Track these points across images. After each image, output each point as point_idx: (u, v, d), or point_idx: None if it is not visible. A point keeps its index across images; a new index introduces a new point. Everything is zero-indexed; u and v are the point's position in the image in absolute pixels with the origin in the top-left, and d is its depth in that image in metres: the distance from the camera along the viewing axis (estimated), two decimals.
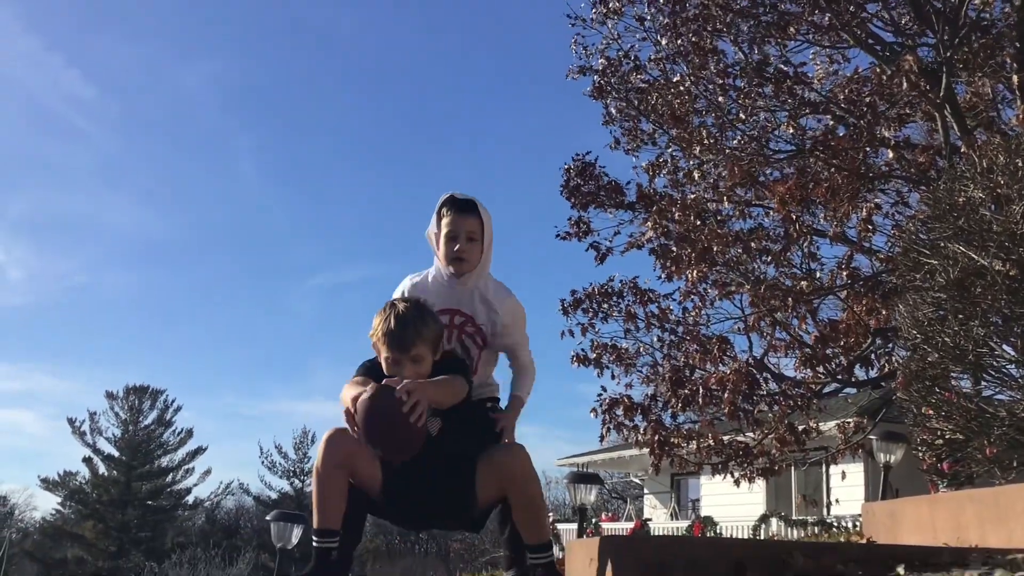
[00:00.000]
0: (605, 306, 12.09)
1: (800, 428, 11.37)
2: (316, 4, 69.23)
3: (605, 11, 12.62)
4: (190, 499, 48.86)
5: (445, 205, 3.55)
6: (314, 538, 3.19)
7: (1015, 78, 10.19)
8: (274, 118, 71.77)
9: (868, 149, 11.54)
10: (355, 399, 3.05)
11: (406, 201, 70.56)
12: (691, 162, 12.31)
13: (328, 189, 72.23)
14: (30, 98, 65.44)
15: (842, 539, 7.69)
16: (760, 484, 12.90)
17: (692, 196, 12.13)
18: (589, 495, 11.01)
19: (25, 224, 67.58)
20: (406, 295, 3.60)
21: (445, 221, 3.54)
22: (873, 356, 11.51)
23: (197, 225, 70.83)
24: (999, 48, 10.54)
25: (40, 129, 67.67)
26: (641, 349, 11.92)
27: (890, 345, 10.88)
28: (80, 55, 67.82)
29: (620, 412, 11.44)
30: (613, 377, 11.81)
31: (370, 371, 3.30)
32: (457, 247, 3.51)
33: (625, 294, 12.08)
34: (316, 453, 3.23)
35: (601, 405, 11.54)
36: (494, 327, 3.62)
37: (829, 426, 13.02)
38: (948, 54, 10.39)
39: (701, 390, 10.85)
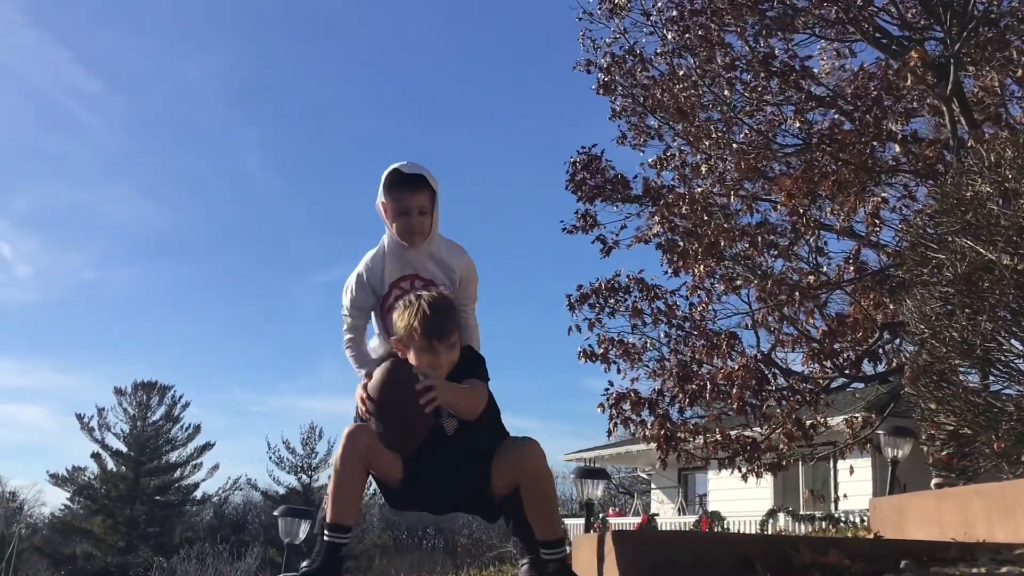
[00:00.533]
0: (612, 301, 12.09)
1: (808, 423, 11.36)
2: None
3: (611, 7, 12.62)
4: (198, 494, 49.04)
5: (394, 182, 3.47)
6: (326, 532, 3.19)
7: (1021, 71, 10.14)
8: (279, 112, 71.86)
9: (875, 143, 11.51)
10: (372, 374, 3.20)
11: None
12: (699, 156, 12.30)
13: (334, 183, 72.32)
14: (35, 92, 65.63)
15: (849, 534, 7.69)
16: (768, 479, 12.91)
17: (699, 190, 12.12)
18: (596, 490, 11.02)
19: (32, 219, 67.80)
20: (358, 271, 3.62)
21: (394, 196, 3.47)
22: (881, 351, 11.50)
23: (203, 219, 71.00)
24: (1007, 41, 10.50)
25: (45, 123, 67.85)
26: (648, 344, 11.92)
27: (897, 340, 10.87)
28: (85, 49, 67.95)
29: (627, 407, 11.44)
30: (620, 372, 11.83)
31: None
32: (410, 222, 3.47)
33: (632, 289, 12.08)
34: (334, 449, 3.29)
35: (608, 400, 11.55)
36: (453, 285, 3.61)
37: (837, 421, 13.01)
38: (956, 48, 10.35)
39: (709, 385, 10.85)
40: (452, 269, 3.61)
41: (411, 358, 3.22)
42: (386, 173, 3.48)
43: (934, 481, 8.99)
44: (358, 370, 3.61)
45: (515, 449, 3.28)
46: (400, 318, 3.25)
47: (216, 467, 48.95)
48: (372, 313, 3.68)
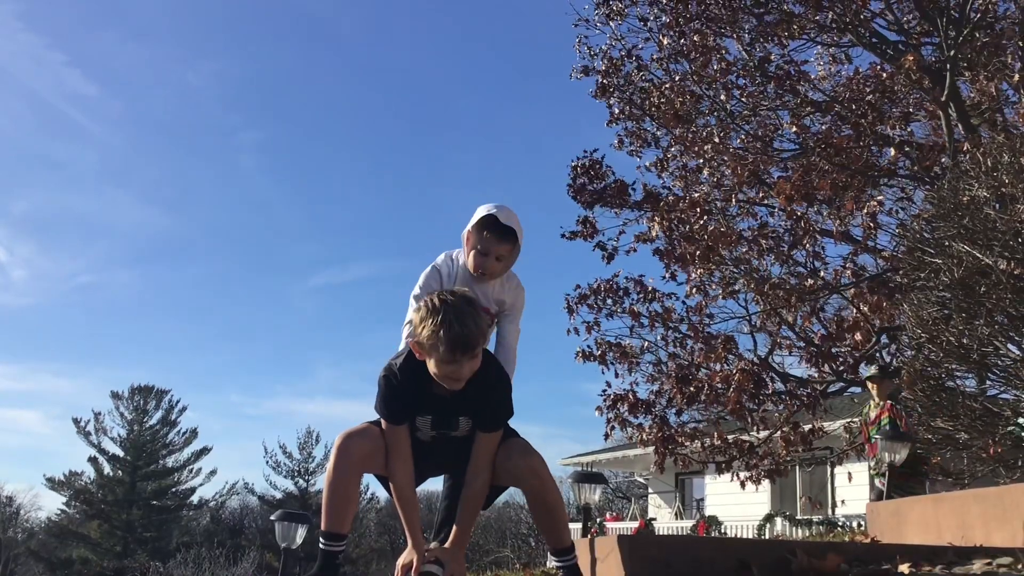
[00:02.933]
0: (609, 302, 12.09)
1: (806, 428, 11.37)
2: (320, 1, 69.32)
3: (608, 12, 12.64)
4: (195, 499, 48.96)
5: (486, 227, 3.59)
6: (322, 541, 3.21)
7: (1018, 76, 10.17)
8: (277, 115, 71.85)
9: (872, 147, 11.53)
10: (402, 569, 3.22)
11: (410, 199, 70.68)
12: (699, 160, 12.31)
13: (331, 186, 72.31)
14: (32, 96, 65.54)
15: (846, 538, 7.68)
16: (765, 484, 12.90)
17: (697, 194, 12.13)
18: (593, 494, 10.97)
19: (28, 223, 67.70)
20: (439, 267, 3.70)
21: (481, 237, 3.60)
22: (879, 355, 11.51)
23: (201, 223, 70.93)
24: (1003, 46, 10.53)
25: (42, 128, 67.77)
26: (645, 347, 11.93)
27: (894, 344, 10.88)
28: (81, 53, 67.87)
29: (624, 408, 11.45)
30: (617, 375, 11.83)
31: (395, 411, 3.23)
32: (487, 264, 3.62)
33: (630, 291, 12.08)
34: (327, 456, 3.27)
35: (605, 401, 11.55)
36: (502, 311, 3.77)
37: (835, 426, 13.01)
38: (952, 52, 10.38)
39: (706, 387, 10.86)
40: (505, 303, 3.74)
41: (430, 364, 3.11)
42: (483, 212, 3.60)
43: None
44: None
45: (519, 461, 3.26)
46: (423, 324, 3.08)
47: (213, 472, 48.94)
48: None
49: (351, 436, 3.21)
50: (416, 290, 3.67)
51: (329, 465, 3.21)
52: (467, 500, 3.28)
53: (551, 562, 3.48)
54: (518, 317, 3.79)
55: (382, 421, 3.24)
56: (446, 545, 3.28)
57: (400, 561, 3.27)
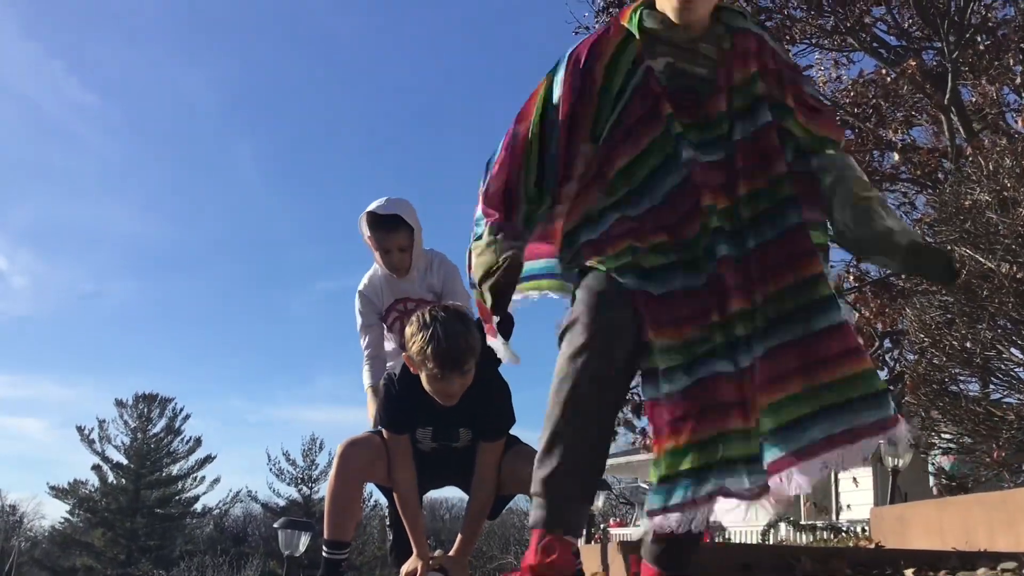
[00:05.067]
0: None
1: None
2: (316, 10, 69.51)
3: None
4: (198, 507, 48.92)
5: (372, 225, 3.74)
6: (325, 549, 3.22)
7: (1019, 80, 10.18)
8: (275, 122, 71.97)
9: (874, 151, 11.54)
10: None
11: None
12: None
13: (330, 194, 72.41)
14: (31, 105, 65.65)
15: (851, 544, 7.67)
16: None
17: None
18: (597, 501, 10.99)
19: (29, 232, 67.75)
20: (363, 291, 3.89)
21: (374, 236, 3.75)
22: (883, 359, 11.49)
23: (201, 231, 71.02)
24: (1004, 50, 10.54)
25: (41, 136, 67.85)
26: None
27: (898, 349, 10.87)
28: (80, 61, 67.95)
29: (628, 409, 11.43)
30: None
31: (395, 419, 3.22)
32: (392, 261, 3.75)
33: None
34: (331, 463, 3.26)
35: None
36: (440, 293, 3.90)
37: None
38: (954, 57, 10.39)
39: None
40: (436, 285, 3.87)
41: (422, 379, 3.09)
42: (364, 214, 3.74)
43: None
44: (368, 387, 3.82)
45: (526, 467, 3.25)
46: (413, 339, 3.07)
47: (217, 480, 48.93)
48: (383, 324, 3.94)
49: (353, 444, 3.21)
50: (358, 324, 3.89)
51: (331, 473, 3.21)
52: (472, 510, 3.27)
53: None
54: (459, 289, 3.86)
55: (383, 431, 3.25)
56: (450, 553, 3.28)
57: (404, 569, 3.27)
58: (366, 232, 3.78)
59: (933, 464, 9.14)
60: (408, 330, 3.12)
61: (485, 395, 3.19)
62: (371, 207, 3.75)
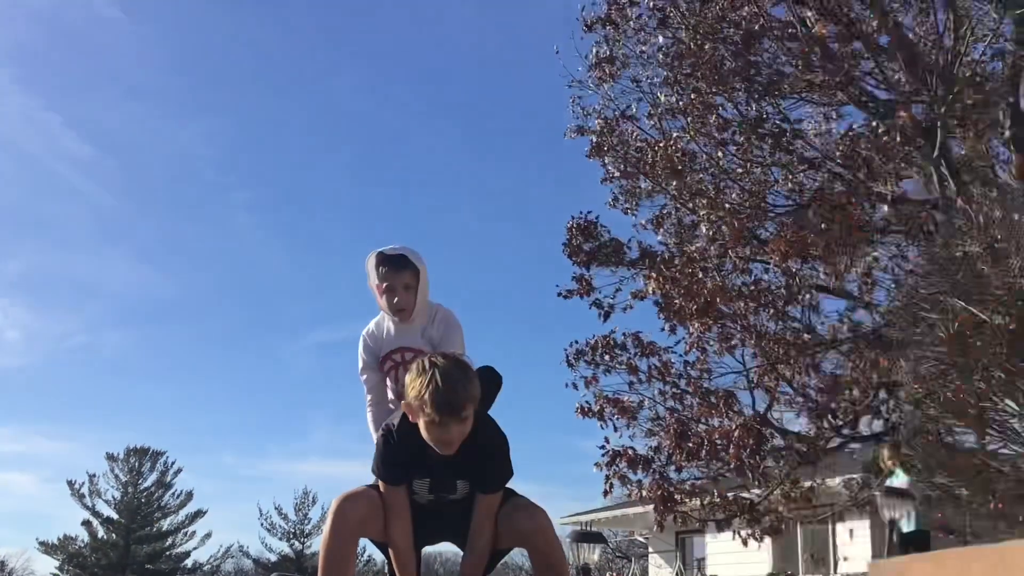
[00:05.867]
0: (607, 357, 12.08)
1: (806, 484, 11.29)
2: (310, 64, 70.18)
3: (600, 75, 12.83)
4: (189, 562, 48.30)
5: (379, 263, 3.78)
6: None
7: (1008, 133, 10.30)
8: (272, 175, 72.19)
9: (865, 204, 11.63)
10: None
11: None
12: (699, 214, 12.40)
13: (325, 245, 72.49)
14: (27, 157, 65.75)
15: None
16: (767, 543, 12.79)
17: (694, 249, 12.19)
18: (593, 554, 10.90)
19: (22, 284, 67.58)
20: (366, 336, 3.90)
21: (380, 275, 3.78)
22: (881, 409, 11.48)
23: (196, 282, 70.92)
24: (992, 104, 10.67)
25: (37, 188, 67.94)
26: (644, 402, 11.89)
27: (893, 400, 10.86)
28: (77, 114, 68.37)
29: (623, 464, 11.37)
30: (616, 430, 11.77)
31: (392, 470, 3.21)
32: (396, 299, 3.74)
33: (627, 346, 12.08)
34: (324, 517, 3.24)
35: (604, 457, 11.48)
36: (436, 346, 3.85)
37: (836, 483, 12.92)
38: (942, 110, 10.52)
39: (706, 443, 10.80)
40: (434, 339, 3.83)
41: (421, 428, 3.08)
42: (371, 256, 3.78)
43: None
44: (374, 433, 3.69)
45: (524, 519, 3.24)
46: (411, 384, 3.07)
47: (208, 535, 48.30)
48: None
49: (348, 499, 3.19)
50: (359, 367, 3.92)
51: (326, 528, 3.19)
52: (469, 563, 3.25)
53: None
54: (451, 341, 3.84)
55: (380, 484, 3.23)
56: None
57: None
58: (372, 272, 3.79)
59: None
60: (407, 377, 3.13)
61: (483, 447, 3.18)
62: (377, 250, 3.81)
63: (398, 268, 3.73)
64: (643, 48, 12.69)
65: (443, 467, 3.17)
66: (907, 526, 9.03)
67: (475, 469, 3.20)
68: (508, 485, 3.35)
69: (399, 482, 3.20)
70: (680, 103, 12.16)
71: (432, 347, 3.76)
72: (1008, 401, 5.15)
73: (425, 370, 3.04)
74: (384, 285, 3.74)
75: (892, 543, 8.90)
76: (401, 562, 3.22)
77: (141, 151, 67.82)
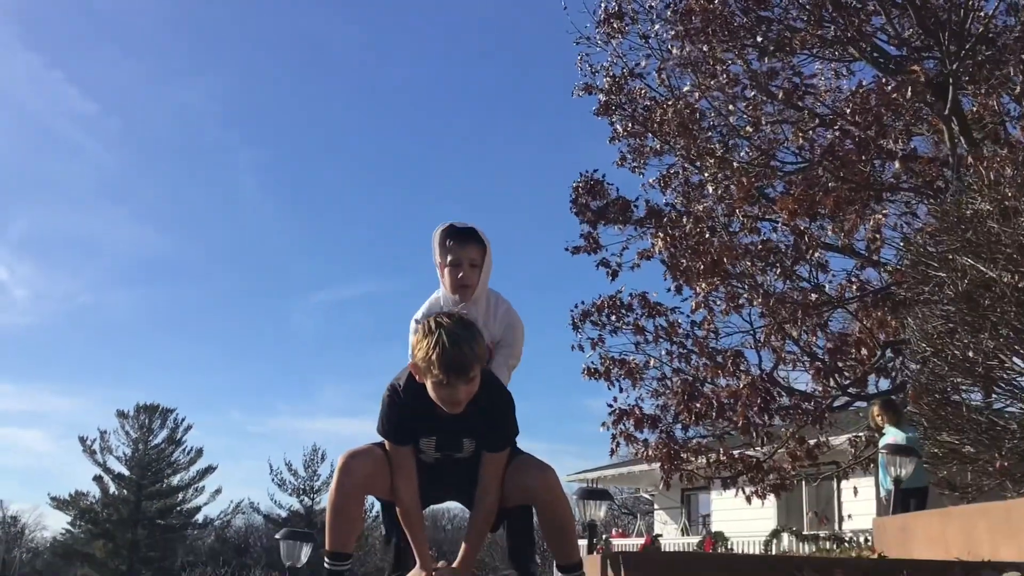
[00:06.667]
0: (614, 318, 12.08)
1: (812, 442, 11.33)
2: (319, 21, 69.70)
3: (609, 31, 12.69)
4: (200, 518, 48.91)
5: (447, 236, 3.62)
6: (326, 560, 3.22)
7: (1020, 89, 10.19)
8: (275, 134, 72.11)
9: (876, 161, 11.54)
10: None
11: (409, 217, 70.72)
12: (705, 175, 12.33)
13: (330, 204, 72.53)
14: (31, 115, 65.88)
15: (853, 554, 7.64)
16: (771, 499, 12.86)
17: (701, 208, 12.14)
18: (599, 511, 10.94)
19: (29, 243, 67.94)
20: (418, 320, 3.52)
21: (447, 248, 3.61)
22: (887, 367, 11.49)
23: (201, 241, 71.13)
24: (1004, 60, 10.55)
25: (41, 147, 68.06)
26: (651, 363, 11.90)
27: (900, 358, 10.86)
28: (79, 72, 68.27)
29: (630, 424, 11.41)
30: (622, 391, 11.80)
31: (399, 429, 3.22)
32: (461, 275, 3.58)
33: (634, 307, 12.07)
34: (333, 474, 3.26)
35: (611, 417, 11.52)
36: (496, 341, 3.71)
37: (840, 441, 12.96)
38: (954, 67, 10.40)
39: (714, 403, 10.83)
40: (494, 336, 3.67)
41: (427, 387, 3.09)
42: (440, 229, 3.63)
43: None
44: None
45: (532, 476, 3.26)
46: (418, 345, 3.08)
47: (218, 491, 48.87)
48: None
49: (354, 456, 3.21)
50: (418, 315, 3.61)
51: (332, 485, 3.21)
52: (476, 520, 3.27)
53: None
54: (510, 354, 3.71)
55: (386, 442, 3.25)
56: (454, 564, 3.27)
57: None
58: (437, 247, 3.64)
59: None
60: (414, 338, 3.13)
61: (489, 406, 3.19)
62: (445, 224, 3.67)
63: (466, 242, 3.59)
64: (652, 3, 12.55)
65: (450, 425, 3.18)
66: (908, 482, 9.09)
67: (481, 428, 3.21)
68: (515, 444, 3.36)
69: (405, 442, 3.21)
70: (690, 57, 12.04)
71: (492, 330, 3.65)
72: (1016, 359, 5.14)
73: (432, 331, 3.04)
74: (450, 259, 3.58)
75: (898, 498, 8.96)
76: (408, 521, 3.24)
77: (143, 109, 67.71)
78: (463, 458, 3.27)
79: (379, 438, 3.28)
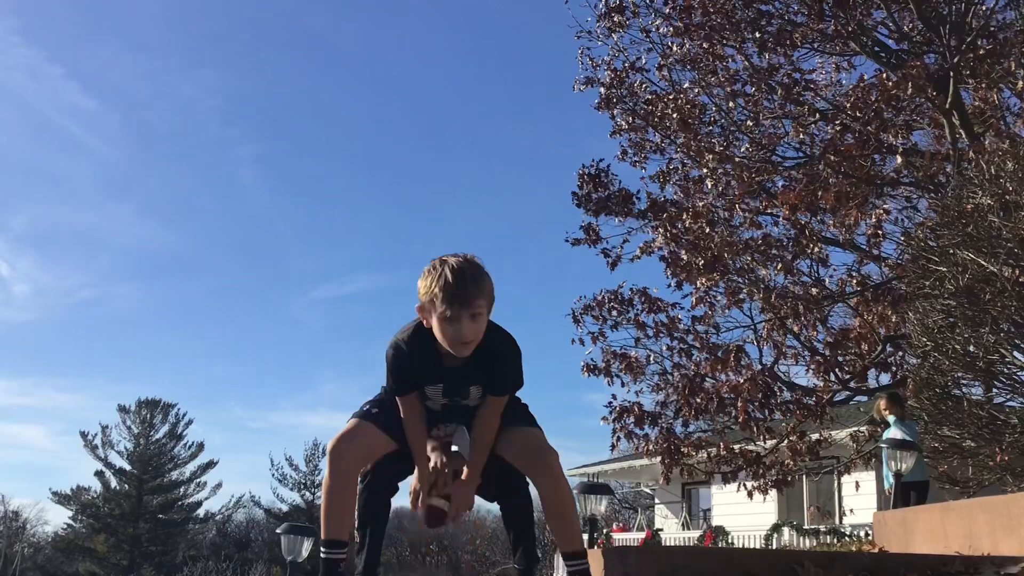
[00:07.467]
0: (615, 313, 12.08)
1: (813, 437, 11.34)
2: (319, 14, 69.61)
3: (610, 25, 12.67)
4: (201, 512, 48.98)
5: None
6: (322, 549, 3.22)
7: (1021, 84, 10.18)
8: (276, 128, 72.08)
9: (876, 156, 11.53)
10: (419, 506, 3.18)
11: (410, 211, 70.78)
12: (703, 170, 12.32)
13: (331, 199, 72.51)
14: (31, 110, 65.83)
15: (854, 548, 7.66)
16: (772, 494, 12.88)
17: (701, 204, 12.13)
18: (599, 505, 10.96)
19: (29, 237, 67.93)
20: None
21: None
22: (888, 362, 11.49)
23: (201, 236, 71.13)
24: (1005, 54, 10.54)
25: (41, 141, 68.07)
26: (651, 358, 11.90)
27: (900, 353, 10.86)
28: (80, 66, 68.18)
29: (631, 420, 11.43)
30: (623, 385, 11.81)
31: (402, 379, 3.17)
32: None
33: (635, 302, 12.07)
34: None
35: (612, 413, 11.53)
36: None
37: (841, 435, 12.97)
38: (955, 60, 10.38)
39: (715, 398, 10.83)
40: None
41: (435, 330, 3.03)
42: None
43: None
44: None
45: (535, 453, 3.23)
46: (423, 283, 3.04)
47: (219, 485, 48.96)
48: None
49: (343, 440, 3.19)
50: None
51: (325, 472, 3.21)
52: (478, 439, 3.24)
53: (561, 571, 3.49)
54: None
55: (396, 398, 3.19)
56: (462, 477, 3.26)
57: (413, 486, 3.27)
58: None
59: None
60: (419, 281, 3.08)
61: (495, 354, 3.15)
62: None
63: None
64: None
65: (457, 373, 3.16)
66: (908, 476, 9.11)
67: (487, 374, 3.18)
68: (530, 414, 3.35)
69: (410, 390, 3.18)
70: (690, 53, 12.02)
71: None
72: (1016, 354, 5.14)
73: (436, 267, 3.02)
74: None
75: (898, 493, 8.97)
76: (421, 465, 3.23)
77: (144, 104, 67.62)
78: (470, 406, 3.25)
79: (360, 409, 3.28)
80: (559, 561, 3.49)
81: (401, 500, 3.70)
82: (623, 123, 12.97)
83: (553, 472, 3.23)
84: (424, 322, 3.10)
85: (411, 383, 3.20)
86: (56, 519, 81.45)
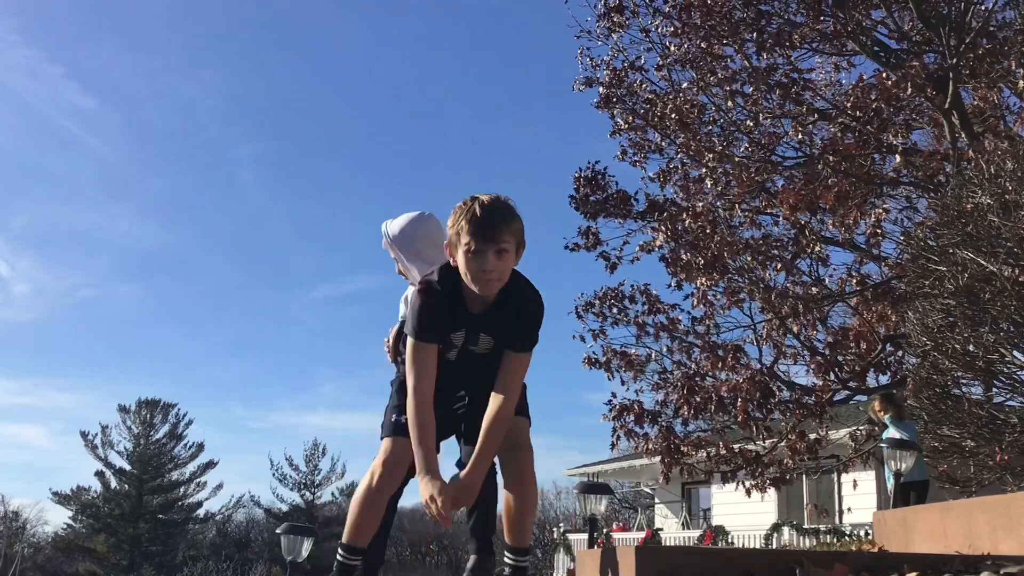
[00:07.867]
0: (615, 310, 12.09)
1: (812, 437, 11.34)
2: (319, 14, 69.59)
3: (609, 25, 12.67)
4: (201, 512, 48.98)
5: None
6: (341, 553, 3.23)
7: (1021, 83, 10.18)
8: (275, 128, 72.14)
9: (876, 156, 11.53)
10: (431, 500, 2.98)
11: (409, 210, 70.47)
12: (703, 170, 12.32)
13: (331, 198, 72.55)
14: (31, 110, 65.93)
15: (853, 548, 7.66)
16: (772, 493, 12.88)
17: (701, 204, 12.13)
18: (599, 505, 10.96)
19: (29, 237, 68.00)
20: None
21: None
22: (886, 361, 11.49)
23: (201, 236, 71.23)
24: (1005, 53, 10.53)
25: (41, 141, 68.15)
26: (652, 356, 11.91)
27: (900, 352, 10.86)
28: (80, 66, 68.26)
29: (631, 419, 11.43)
30: (623, 383, 11.81)
31: (427, 328, 3.08)
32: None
33: (636, 299, 12.07)
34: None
35: (612, 411, 11.53)
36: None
37: (841, 434, 12.97)
38: (954, 60, 10.39)
39: (714, 397, 10.84)
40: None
41: (459, 263, 2.95)
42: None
43: None
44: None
45: (511, 450, 3.21)
46: (451, 218, 2.99)
47: (219, 485, 48.98)
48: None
49: (397, 466, 3.22)
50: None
51: (367, 480, 3.22)
52: (491, 424, 3.06)
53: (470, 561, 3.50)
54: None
55: (409, 341, 3.09)
56: (462, 474, 3.13)
57: (424, 495, 3.03)
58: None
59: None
60: (449, 218, 3.04)
61: (520, 299, 3.10)
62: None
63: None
64: None
65: (479, 320, 3.11)
66: (908, 475, 9.13)
67: (508, 324, 3.10)
68: (522, 404, 3.30)
69: (431, 339, 3.09)
70: (689, 54, 12.02)
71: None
72: (1016, 353, 5.14)
73: (466, 203, 2.99)
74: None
75: (898, 492, 8.98)
76: (421, 421, 3.05)
77: (144, 105, 67.64)
78: (477, 353, 3.20)
79: (390, 429, 3.25)
80: (559, 561, 3.48)
81: (401, 501, 3.72)
82: (623, 123, 12.96)
83: (525, 473, 3.23)
84: (451, 260, 3.02)
85: (436, 328, 3.09)
86: (56, 519, 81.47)
